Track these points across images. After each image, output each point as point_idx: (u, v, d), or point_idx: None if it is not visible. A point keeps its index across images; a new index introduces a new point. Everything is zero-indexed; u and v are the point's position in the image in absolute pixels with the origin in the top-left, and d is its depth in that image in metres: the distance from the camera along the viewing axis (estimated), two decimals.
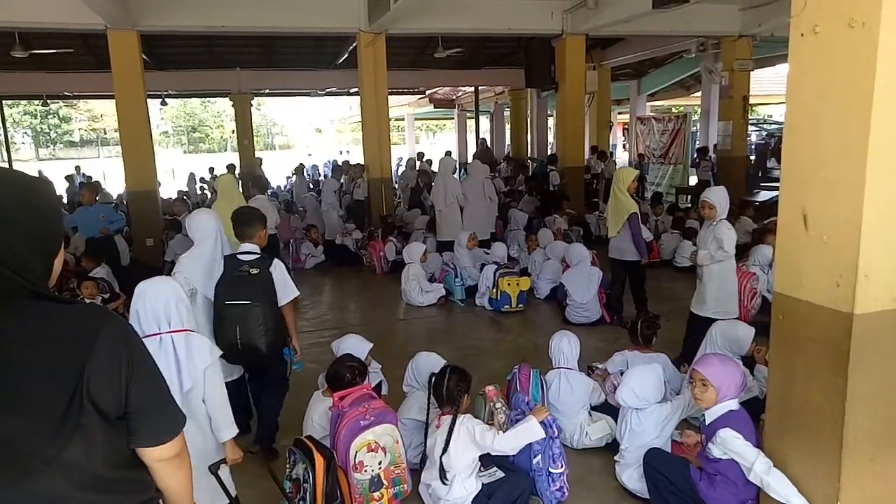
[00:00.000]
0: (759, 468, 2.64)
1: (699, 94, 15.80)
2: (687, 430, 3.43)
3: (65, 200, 13.53)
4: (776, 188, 2.75)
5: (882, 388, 2.35)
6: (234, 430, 2.62)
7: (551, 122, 18.66)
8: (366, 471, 3.06)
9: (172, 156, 40.08)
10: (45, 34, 10.47)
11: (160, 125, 48.05)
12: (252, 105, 17.38)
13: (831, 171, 2.32)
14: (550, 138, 18.62)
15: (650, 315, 4.43)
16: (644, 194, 13.49)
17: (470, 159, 16.58)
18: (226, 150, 46.20)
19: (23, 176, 1.30)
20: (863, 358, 2.30)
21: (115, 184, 16.00)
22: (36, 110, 41.45)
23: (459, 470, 3.00)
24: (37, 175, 1.39)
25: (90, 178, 16.28)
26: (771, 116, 24.56)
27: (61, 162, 34.44)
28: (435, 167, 12.58)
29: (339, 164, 14.28)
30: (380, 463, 3.09)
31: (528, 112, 17.92)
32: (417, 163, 15.85)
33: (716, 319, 4.33)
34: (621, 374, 3.79)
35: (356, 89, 12.31)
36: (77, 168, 18.80)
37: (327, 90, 18.44)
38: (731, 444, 2.73)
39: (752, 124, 15.91)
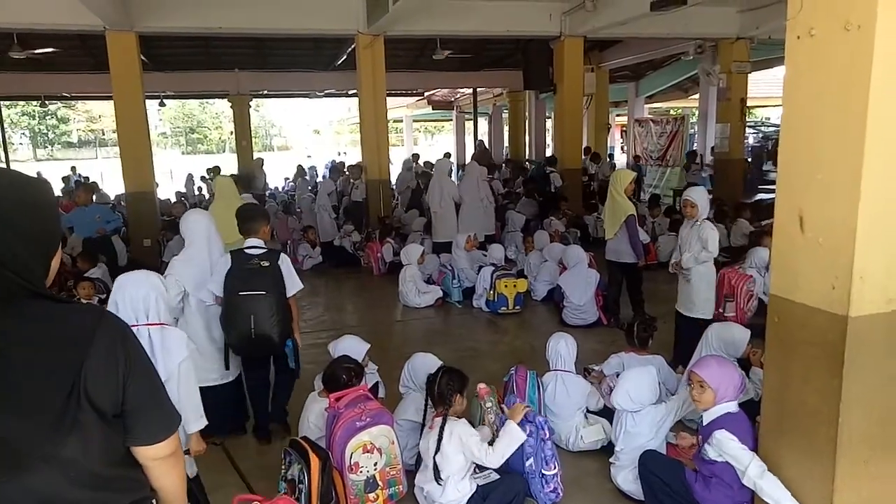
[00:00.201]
0: (753, 472, 2.64)
1: (697, 96, 15.82)
2: (682, 432, 3.44)
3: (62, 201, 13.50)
4: (773, 190, 2.75)
5: (877, 391, 2.36)
6: (203, 423, 2.72)
7: (549, 123, 18.70)
8: (361, 472, 3.06)
9: (170, 157, 40.03)
10: (44, 35, 10.46)
11: (158, 126, 48.03)
12: (250, 106, 17.38)
13: (827, 174, 2.33)
14: (548, 140, 18.65)
15: (646, 317, 4.44)
16: (641, 196, 13.52)
17: (468, 161, 16.58)
18: (224, 152, 46.18)
19: (19, 176, 1.30)
20: (858, 360, 2.30)
21: (112, 185, 15.97)
22: (34, 111, 41.43)
23: (453, 471, 2.99)
24: (34, 175, 1.39)
25: (86, 178, 16.26)
26: (769, 119, 24.62)
27: (59, 163, 34.40)
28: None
29: (335, 164, 14.26)
30: (375, 464, 3.09)
31: (527, 114, 17.93)
32: (413, 164, 15.84)
33: (705, 319, 4.36)
34: (617, 375, 3.79)
35: (354, 91, 12.33)
36: (73, 168, 18.78)
37: (326, 92, 18.44)
38: (726, 447, 2.73)
39: (749, 127, 15.96)
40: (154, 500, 1.44)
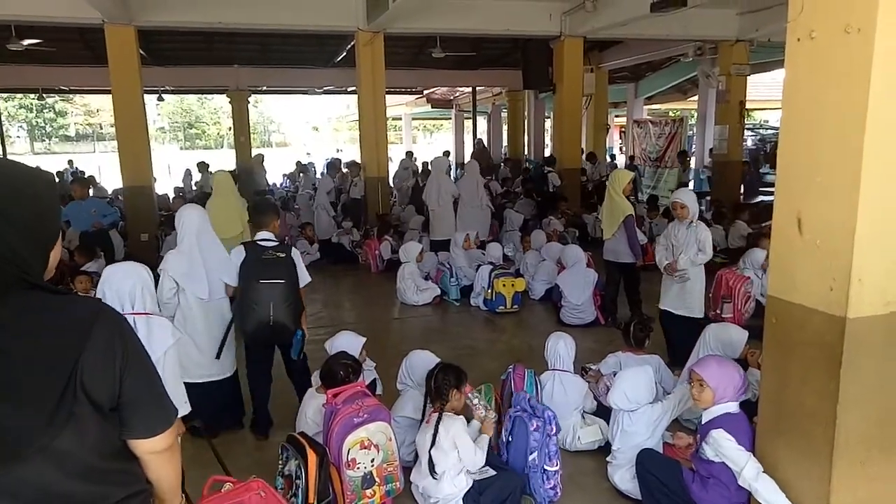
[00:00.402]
0: (749, 474, 2.65)
1: (696, 98, 15.86)
2: (678, 431, 3.45)
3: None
4: (771, 192, 2.75)
5: (874, 392, 2.37)
6: (186, 409, 2.80)
7: (548, 123, 18.70)
8: (358, 468, 3.06)
9: (168, 152, 39.93)
10: (42, 27, 10.42)
11: (157, 121, 47.92)
12: (249, 102, 17.35)
13: (827, 176, 2.34)
14: (547, 140, 18.65)
15: (644, 317, 4.45)
16: (639, 197, 13.53)
17: (467, 160, 16.59)
18: (222, 147, 46.11)
19: (15, 166, 1.30)
20: (855, 362, 2.31)
21: (110, 179, 15.93)
22: (31, 104, 41.29)
23: (448, 466, 3.00)
24: (33, 167, 1.38)
25: (82, 172, 16.19)
26: (767, 122, 24.68)
27: (56, 156, 34.27)
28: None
29: (332, 161, 14.23)
30: (372, 460, 3.09)
31: (526, 113, 17.94)
32: (410, 163, 15.85)
33: (698, 318, 4.39)
34: (614, 375, 3.80)
35: (354, 88, 12.33)
36: (70, 162, 18.70)
37: (325, 88, 18.42)
38: (723, 446, 2.74)
39: (747, 129, 15.99)
40: (150, 493, 1.44)
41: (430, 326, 6.55)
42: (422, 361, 3.61)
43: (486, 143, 20.47)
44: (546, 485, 3.17)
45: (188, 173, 16.95)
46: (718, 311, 5.36)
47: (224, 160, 19.12)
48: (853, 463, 2.39)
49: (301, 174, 16.36)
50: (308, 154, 26.52)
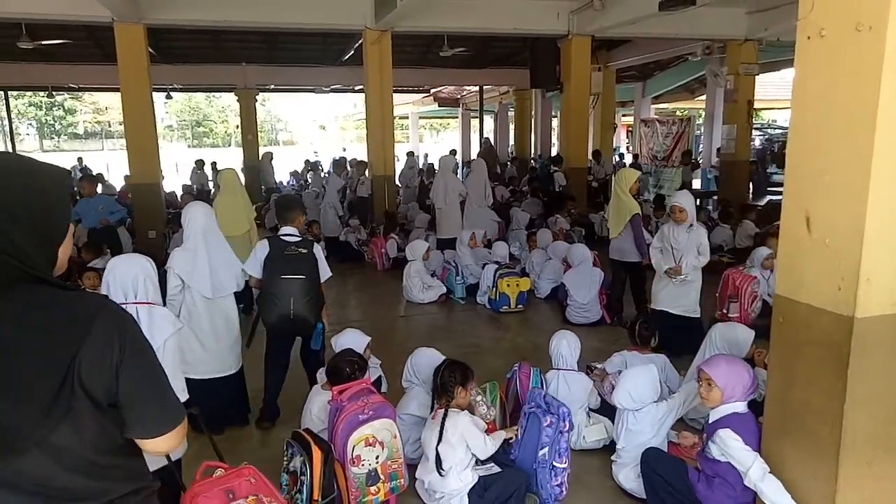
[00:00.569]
0: (755, 474, 2.64)
1: (704, 97, 15.78)
2: (684, 431, 3.43)
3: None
4: (778, 192, 2.73)
5: (882, 392, 2.36)
6: (184, 397, 2.82)
7: (555, 122, 18.66)
8: (363, 465, 3.06)
9: (176, 150, 40.09)
10: (52, 25, 10.48)
11: (165, 119, 48.12)
12: (257, 101, 17.40)
13: (835, 175, 2.32)
14: (554, 139, 18.61)
15: (649, 316, 4.44)
16: (646, 196, 13.49)
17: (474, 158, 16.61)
18: (230, 146, 46.25)
19: (21, 161, 1.30)
20: (863, 361, 2.30)
21: (118, 177, 16.01)
22: (41, 102, 41.54)
23: (455, 462, 3.01)
24: (45, 162, 1.39)
25: (89, 170, 16.28)
26: (775, 121, 24.54)
27: (65, 154, 34.48)
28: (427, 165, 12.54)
29: (338, 160, 14.23)
30: (377, 457, 3.09)
31: (533, 112, 17.91)
32: (415, 162, 15.87)
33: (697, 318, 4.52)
34: (620, 373, 3.79)
35: (361, 87, 12.33)
36: (80, 160, 18.81)
37: (332, 87, 18.45)
38: (729, 446, 2.73)
39: (755, 129, 15.91)
40: (156, 490, 1.43)
41: (435, 324, 6.56)
42: (427, 359, 3.61)
43: (492, 141, 20.45)
44: (553, 481, 3.16)
45: (195, 170, 17.03)
46: (725, 311, 5.34)
47: (231, 158, 19.15)
48: (860, 462, 2.37)
49: (310, 172, 16.39)
50: (315, 153, 26.57)
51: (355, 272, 8.94)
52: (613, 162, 16.36)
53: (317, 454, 2.89)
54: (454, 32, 11.13)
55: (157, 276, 2.87)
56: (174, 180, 16.91)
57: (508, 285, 6.67)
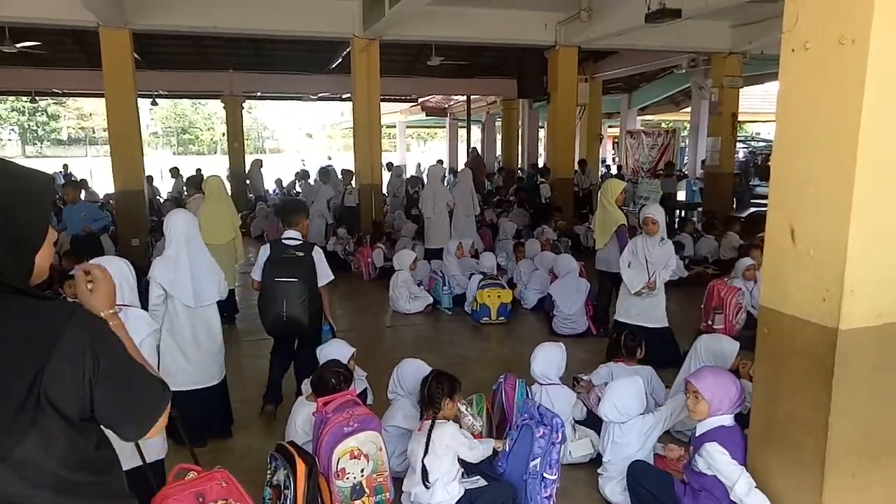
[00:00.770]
0: (740, 489, 2.63)
1: (689, 109, 15.97)
2: (670, 444, 3.43)
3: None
4: (765, 205, 2.74)
5: (866, 404, 2.37)
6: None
7: (542, 133, 18.77)
8: (348, 478, 3.02)
9: (161, 157, 39.79)
10: (36, 29, 10.37)
11: (150, 126, 47.74)
12: (243, 108, 17.32)
13: (819, 187, 2.34)
14: (541, 149, 18.72)
15: (635, 327, 4.45)
16: (631, 207, 13.58)
17: (461, 168, 16.61)
18: (216, 153, 45.95)
19: (3, 166, 1.26)
20: (847, 373, 2.31)
21: (102, 183, 15.84)
22: (24, 107, 41.08)
23: (442, 474, 2.97)
24: (29, 167, 1.35)
25: (74, 177, 16.10)
26: (758, 134, 24.87)
27: (48, 160, 34.11)
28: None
29: (326, 169, 14.14)
30: (362, 470, 3.05)
31: (520, 122, 18.00)
32: (401, 171, 15.82)
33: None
34: (606, 385, 3.77)
35: (348, 95, 12.31)
36: (65, 166, 18.59)
37: (319, 95, 18.42)
38: (716, 460, 2.72)
39: (739, 141, 16.11)
40: None
41: (421, 335, 6.52)
42: (413, 370, 3.58)
43: (479, 151, 20.51)
44: (543, 493, 3.13)
45: (180, 179, 16.86)
46: (710, 323, 5.38)
47: (217, 166, 19.00)
48: (844, 474, 2.38)
49: (300, 181, 16.29)
50: (303, 161, 26.50)
51: (341, 282, 8.81)
52: (600, 173, 16.46)
53: (301, 467, 2.84)
54: (442, 42, 11.16)
55: (136, 280, 2.85)
56: (159, 187, 16.74)
57: (489, 296, 6.63)
